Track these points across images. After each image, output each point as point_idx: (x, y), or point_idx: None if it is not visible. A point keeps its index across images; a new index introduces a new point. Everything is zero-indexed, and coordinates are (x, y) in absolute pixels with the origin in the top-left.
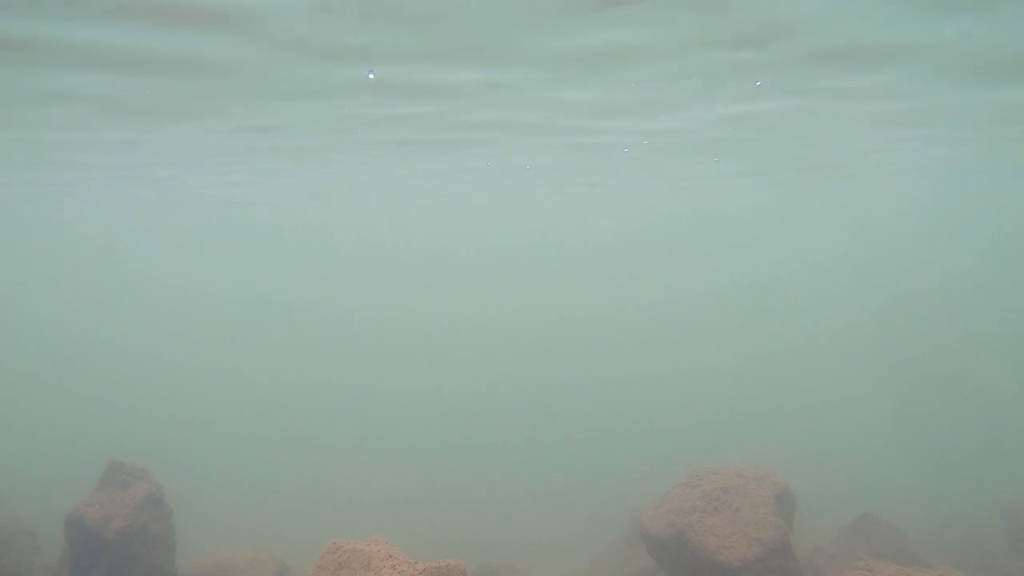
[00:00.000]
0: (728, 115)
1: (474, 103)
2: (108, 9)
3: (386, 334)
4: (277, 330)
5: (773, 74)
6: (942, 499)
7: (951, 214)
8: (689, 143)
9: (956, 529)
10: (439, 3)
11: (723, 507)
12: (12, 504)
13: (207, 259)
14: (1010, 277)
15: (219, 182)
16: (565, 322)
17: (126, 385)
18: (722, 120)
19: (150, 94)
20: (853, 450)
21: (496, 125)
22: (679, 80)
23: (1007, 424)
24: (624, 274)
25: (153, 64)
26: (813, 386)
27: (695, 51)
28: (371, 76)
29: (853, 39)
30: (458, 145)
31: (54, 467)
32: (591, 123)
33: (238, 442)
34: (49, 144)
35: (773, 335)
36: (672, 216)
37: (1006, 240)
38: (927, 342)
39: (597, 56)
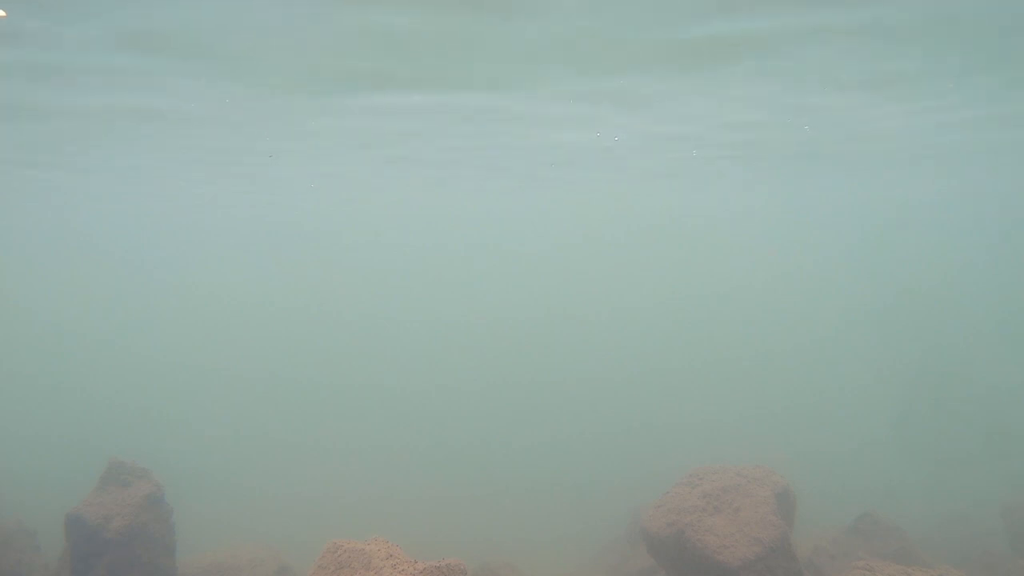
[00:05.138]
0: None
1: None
2: None
3: (386, 334)
4: (277, 330)
5: None
6: (942, 499)
7: (951, 212)
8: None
9: (956, 529)
10: None
11: (723, 507)
12: (12, 504)
13: (206, 259)
14: (1010, 275)
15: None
16: (566, 321)
17: (126, 385)
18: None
19: None
20: (853, 450)
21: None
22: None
23: (1007, 424)
24: (625, 273)
25: None
26: (813, 386)
27: None
28: None
29: None
30: (459, 144)
31: (54, 467)
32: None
33: (238, 442)
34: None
35: (773, 334)
36: (673, 215)
37: (1007, 238)
38: (927, 341)
39: None
